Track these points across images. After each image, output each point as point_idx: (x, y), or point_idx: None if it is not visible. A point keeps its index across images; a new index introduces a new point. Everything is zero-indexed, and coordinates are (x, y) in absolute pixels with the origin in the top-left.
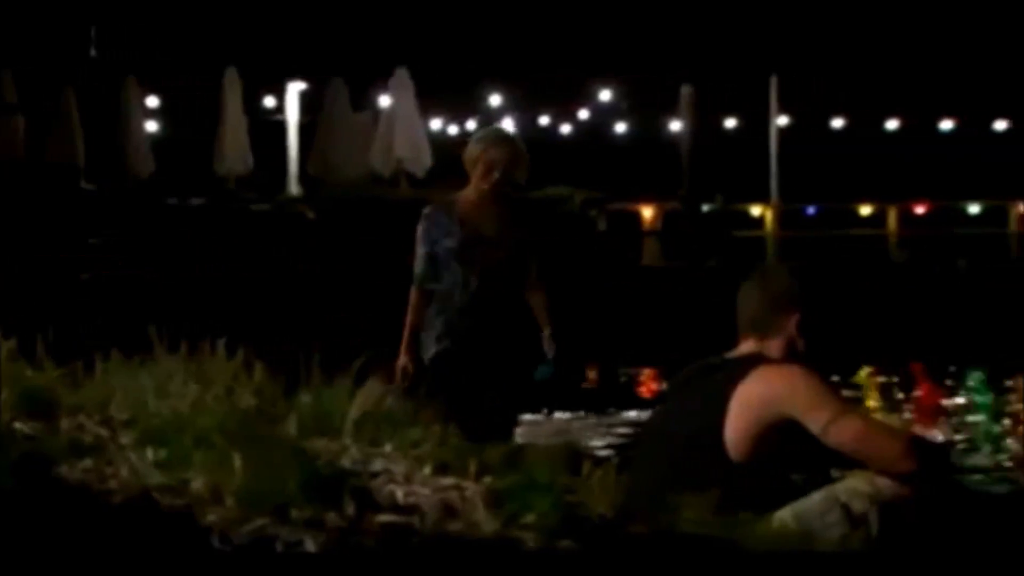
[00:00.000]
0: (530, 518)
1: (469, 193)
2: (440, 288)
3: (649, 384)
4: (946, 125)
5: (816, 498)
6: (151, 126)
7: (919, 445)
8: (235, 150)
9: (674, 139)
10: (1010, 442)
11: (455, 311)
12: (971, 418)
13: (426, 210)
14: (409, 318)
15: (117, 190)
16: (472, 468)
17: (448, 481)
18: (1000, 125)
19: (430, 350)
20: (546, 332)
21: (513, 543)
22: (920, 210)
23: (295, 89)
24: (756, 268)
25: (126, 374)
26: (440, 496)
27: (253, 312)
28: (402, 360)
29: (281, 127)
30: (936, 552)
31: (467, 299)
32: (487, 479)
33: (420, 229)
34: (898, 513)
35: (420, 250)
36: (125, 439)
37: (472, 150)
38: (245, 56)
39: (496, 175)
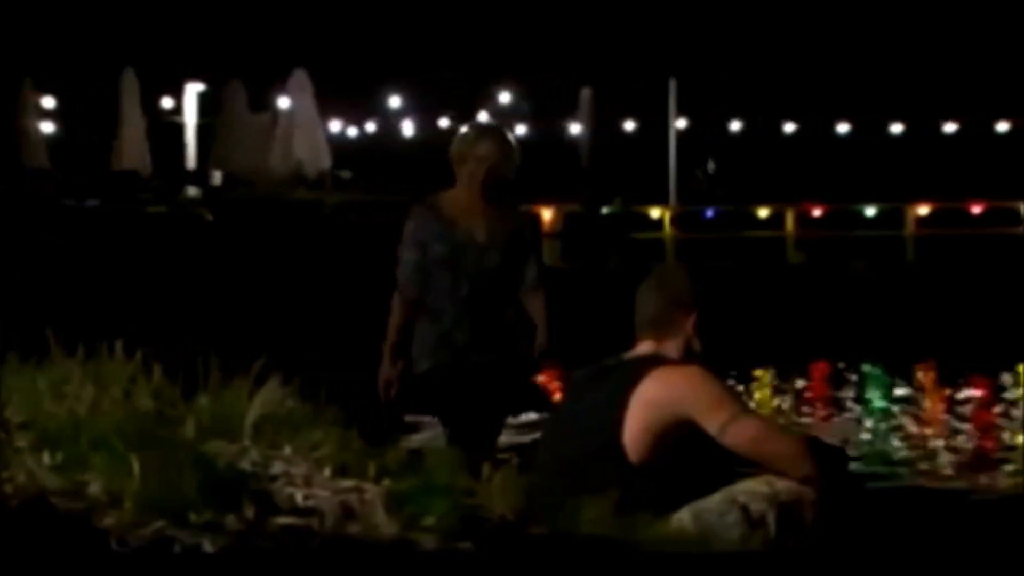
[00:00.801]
0: (429, 521)
1: (457, 193)
2: (429, 297)
3: (548, 386)
4: (842, 128)
5: (715, 499)
6: (47, 127)
7: (816, 446)
8: (133, 151)
9: (574, 141)
10: (907, 440)
11: (449, 323)
12: (867, 417)
13: (414, 209)
14: (392, 328)
15: (12, 191)
16: (372, 471)
17: (348, 484)
18: (896, 128)
19: (422, 364)
20: (539, 340)
21: (412, 546)
22: (817, 212)
23: (193, 91)
24: (653, 269)
25: (22, 376)
26: (340, 499)
27: (151, 314)
28: (386, 374)
29: (179, 129)
30: (833, 551)
31: (460, 309)
32: (386, 482)
33: (407, 231)
34: (796, 514)
35: (407, 255)
36: (21, 442)
37: (459, 146)
38: (143, 58)
39: (485, 172)
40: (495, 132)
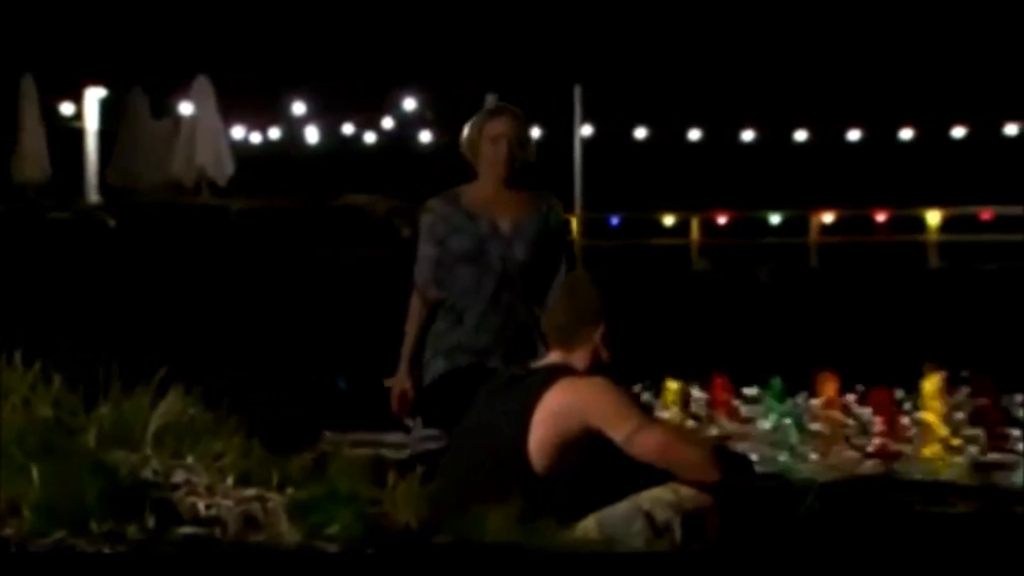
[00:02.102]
0: (333, 529)
1: (477, 184)
2: (450, 296)
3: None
4: (747, 136)
5: (620, 507)
6: None
7: (722, 455)
8: (33, 158)
9: None
10: (811, 446)
11: (472, 323)
12: (769, 424)
13: (430, 203)
14: (410, 332)
15: None
16: (275, 479)
17: (251, 492)
18: (801, 136)
19: (436, 368)
20: None
21: (316, 554)
22: (722, 220)
23: (94, 96)
24: (567, 280)
25: None
26: (242, 507)
27: (51, 322)
28: (402, 383)
29: (80, 135)
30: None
31: (484, 307)
32: (290, 490)
33: (424, 225)
34: (701, 522)
35: (424, 250)
36: None
37: (470, 132)
38: (42, 63)
39: (505, 151)
40: (508, 109)
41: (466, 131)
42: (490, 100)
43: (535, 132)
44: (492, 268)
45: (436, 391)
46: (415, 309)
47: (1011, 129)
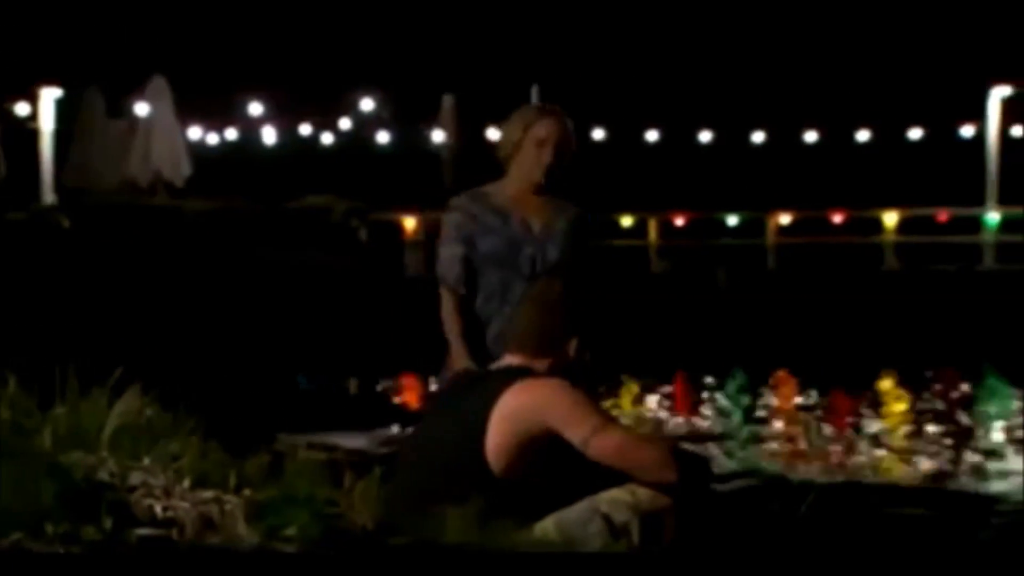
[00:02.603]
0: (291, 530)
1: (509, 183)
2: (477, 300)
3: (412, 396)
4: (704, 137)
5: (577, 509)
6: None
7: (679, 456)
8: None
9: (436, 149)
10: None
11: (499, 328)
12: (729, 424)
13: (456, 201)
14: (454, 325)
15: None
16: (232, 481)
17: (208, 494)
18: (758, 137)
19: (459, 364)
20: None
21: (273, 556)
22: (680, 221)
23: (50, 96)
24: (537, 287)
25: None
26: (199, 509)
27: (5, 323)
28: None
29: (35, 135)
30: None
31: (508, 315)
32: (247, 492)
33: (449, 224)
34: (659, 523)
35: (450, 250)
36: None
37: (512, 131)
38: None
39: (550, 157)
40: (558, 112)
41: (509, 127)
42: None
43: (493, 133)
44: (521, 272)
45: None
46: (451, 308)
47: (967, 131)
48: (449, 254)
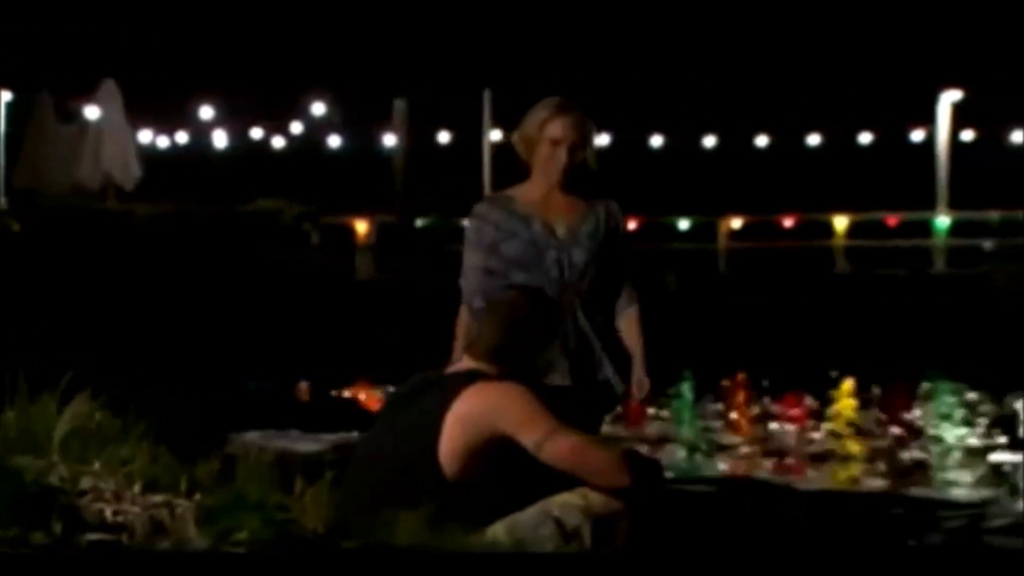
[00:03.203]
0: (242, 534)
1: (531, 185)
2: None
3: (363, 399)
4: (656, 141)
5: (529, 513)
6: None
7: (632, 459)
8: None
9: (388, 153)
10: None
11: None
12: (679, 429)
13: (478, 208)
14: (461, 338)
15: None
16: (182, 485)
17: (158, 498)
18: (709, 142)
19: None
20: (636, 368)
21: (224, 560)
22: (631, 225)
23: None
24: (509, 299)
25: None
26: (150, 513)
27: None
28: None
29: None
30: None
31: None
32: (198, 496)
33: (469, 232)
34: (611, 527)
35: (470, 259)
36: None
37: (527, 130)
38: None
39: (564, 157)
40: (572, 110)
41: (525, 125)
42: (399, 105)
43: (444, 137)
44: (550, 275)
45: None
46: (462, 320)
47: (917, 135)
48: (467, 265)
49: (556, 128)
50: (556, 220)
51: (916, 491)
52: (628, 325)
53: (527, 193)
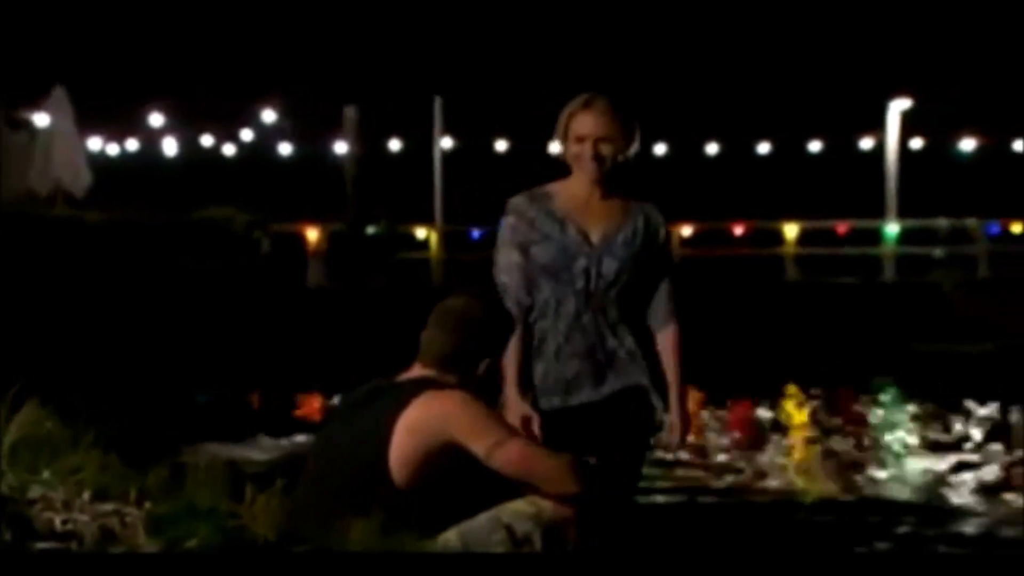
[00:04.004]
0: (192, 543)
1: (569, 184)
2: (530, 316)
3: (314, 407)
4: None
5: (480, 520)
6: None
7: (581, 467)
8: None
9: (338, 160)
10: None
11: (552, 351)
12: None
13: (513, 202)
14: (514, 351)
15: None
16: (133, 494)
17: (108, 507)
18: (659, 149)
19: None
20: (673, 390)
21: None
22: None
23: None
24: (457, 303)
25: None
26: (100, 522)
27: None
28: (519, 410)
29: None
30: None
31: (566, 331)
32: (148, 505)
33: (504, 229)
34: (561, 533)
35: (508, 256)
36: None
37: (559, 126)
38: None
39: (591, 152)
40: (598, 104)
41: (558, 121)
42: (349, 112)
43: (395, 144)
44: (574, 284)
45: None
46: (516, 337)
47: (866, 143)
48: (505, 263)
49: (580, 125)
50: (593, 225)
51: (864, 497)
52: (664, 349)
53: (566, 193)
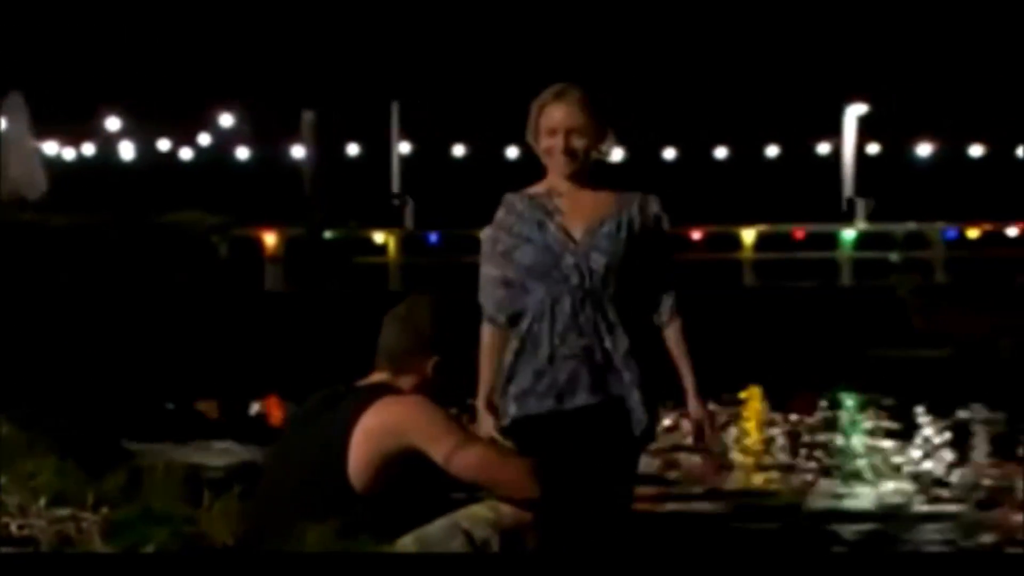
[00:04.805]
0: (149, 548)
1: (547, 183)
2: (523, 321)
3: (270, 412)
4: None
5: (438, 525)
6: None
7: (541, 471)
8: None
9: (296, 165)
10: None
11: (546, 354)
12: None
13: (508, 197)
14: (484, 367)
15: None
16: (89, 499)
17: (65, 512)
18: (616, 155)
19: (508, 412)
20: (689, 388)
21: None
22: None
23: None
24: (405, 301)
25: None
26: (56, 527)
27: None
28: (488, 426)
29: None
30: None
31: (562, 332)
32: (105, 510)
33: (485, 241)
34: (520, 539)
35: (487, 271)
36: None
37: (529, 120)
38: None
39: (562, 146)
40: (569, 95)
41: (529, 119)
42: (307, 117)
43: (353, 148)
44: (568, 282)
45: (512, 440)
46: (486, 341)
47: (823, 148)
48: (484, 278)
49: (551, 116)
50: (574, 221)
51: (822, 502)
52: (673, 345)
53: (544, 192)
